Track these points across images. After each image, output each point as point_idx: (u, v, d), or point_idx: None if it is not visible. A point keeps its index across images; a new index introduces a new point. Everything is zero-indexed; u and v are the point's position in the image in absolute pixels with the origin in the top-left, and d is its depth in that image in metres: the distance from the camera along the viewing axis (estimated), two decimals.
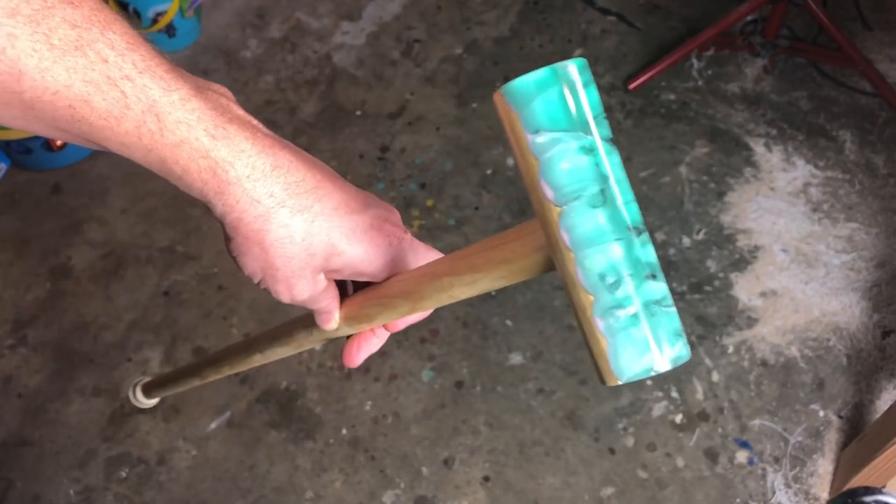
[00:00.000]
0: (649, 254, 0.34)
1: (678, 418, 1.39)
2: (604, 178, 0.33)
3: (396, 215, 0.47)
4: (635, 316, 0.33)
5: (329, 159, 1.79)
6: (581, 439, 1.38)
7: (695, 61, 1.85)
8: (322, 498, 1.35)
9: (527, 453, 1.37)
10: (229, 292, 1.60)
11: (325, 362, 1.49)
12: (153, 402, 0.79)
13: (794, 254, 1.57)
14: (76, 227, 1.73)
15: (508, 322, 1.51)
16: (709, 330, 1.48)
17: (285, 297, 0.44)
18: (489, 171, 1.74)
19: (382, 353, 1.49)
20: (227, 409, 1.45)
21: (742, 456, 1.35)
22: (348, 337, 0.53)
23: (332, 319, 0.49)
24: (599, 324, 0.33)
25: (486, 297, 1.54)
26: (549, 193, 0.33)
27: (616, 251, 0.33)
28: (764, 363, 1.44)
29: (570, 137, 0.32)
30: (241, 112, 0.40)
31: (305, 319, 0.53)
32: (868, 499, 0.52)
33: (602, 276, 0.33)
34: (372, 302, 0.48)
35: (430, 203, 1.69)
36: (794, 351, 1.45)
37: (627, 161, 1.72)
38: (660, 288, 0.34)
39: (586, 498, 1.32)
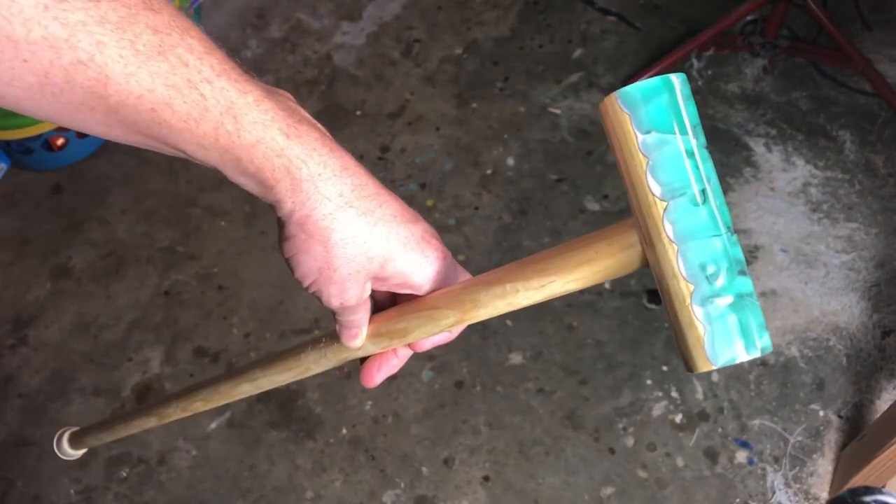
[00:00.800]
0: (739, 252, 0.37)
1: (678, 418, 1.39)
2: (705, 180, 0.36)
3: (437, 235, 0.48)
4: (731, 306, 0.37)
5: None
6: (581, 439, 1.38)
7: (694, 61, 1.85)
8: (322, 498, 1.35)
9: (527, 453, 1.37)
10: (230, 292, 1.60)
11: None
12: (80, 453, 0.77)
13: (794, 254, 1.57)
14: (76, 227, 1.73)
15: (508, 322, 1.51)
16: None
17: (335, 301, 0.45)
18: (489, 171, 1.74)
19: None
20: (228, 409, 1.45)
21: (742, 456, 1.35)
22: (363, 360, 0.52)
23: (359, 336, 0.49)
24: (698, 312, 0.37)
25: None
26: (657, 189, 0.36)
27: (716, 245, 0.36)
28: (764, 363, 1.44)
29: (677, 140, 0.36)
30: (307, 115, 0.42)
31: (317, 342, 0.53)
32: (868, 498, 0.52)
33: (703, 267, 0.37)
34: (410, 315, 0.48)
35: (430, 203, 1.69)
36: (793, 351, 1.45)
37: None
38: (748, 283, 0.37)
39: (586, 497, 1.32)
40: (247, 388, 0.57)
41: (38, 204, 1.78)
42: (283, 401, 1.45)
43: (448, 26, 2.02)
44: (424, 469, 1.37)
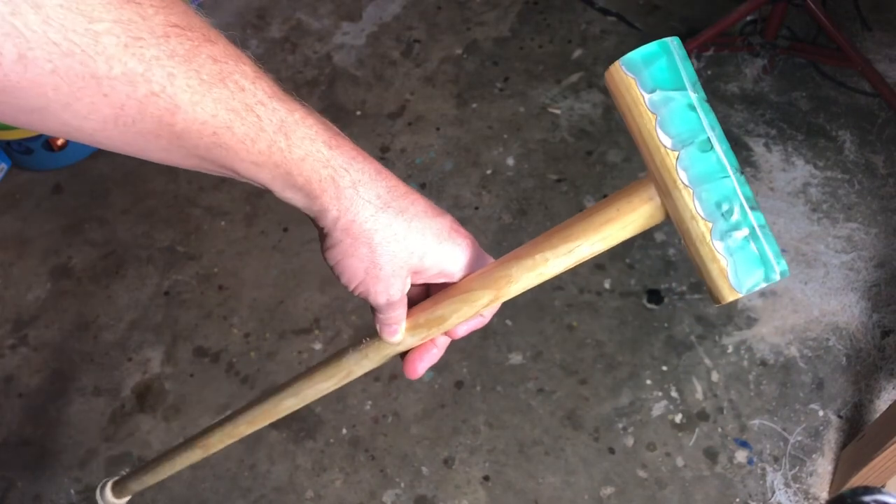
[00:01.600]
0: (749, 190, 0.41)
1: (678, 418, 1.39)
2: (710, 128, 0.40)
3: (461, 226, 0.52)
4: (749, 237, 0.40)
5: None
6: (581, 439, 1.38)
7: (694, 61, 1.85)
8: (322, 497, 1.35)
9: (527, 453, 1.37)
10: (230, 292, 1.60)
11: None
12: (123, 501, 0.78)
13: (794, 254, 1.57)
14: (77, 227, 1.73)
15: (508, 322, 1.52)
16: (708, 330, 1.48)
17: (382, 298, 0.48)
18: (489, 171, 1.74)
19: None
20: (228, 409, 1.45)
21: (741, 455, 1.35)
22: (403, 355, 0.54)
23: (399, 331, 0.52)
24: (719, 246, 0.40)
25: None
26: (668, 141, 0.40)
27: (728, 184, 0.40)
28: (763, 363, 1.44)
29: (680, 95, 0.40)
30: (336, 128, 0.45)
31: (356, 345, 0.55)
32: (867, 498, 0.52)
33: (718, 205, 0.40)
34: (446, 302, 0.50)
35: None
36: (793, 351, 1.45)
37: (627, 161, 1.73)
38: (761, 216, 0.41)
39: (586, 497, 1.32)
40: (292, 403, 0.59)
41: (39, 204, 1.78)
42: None
43: (448, 26, 2.03)
44: (424, 469, 1.37)
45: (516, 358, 1.48)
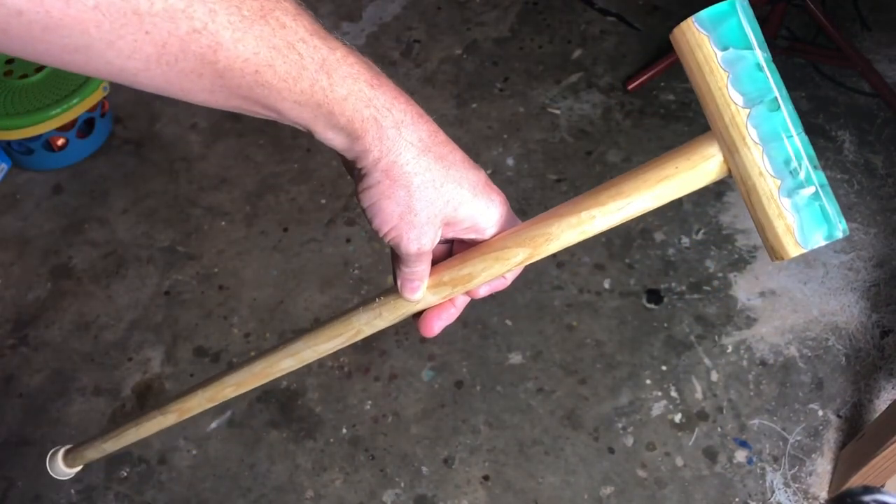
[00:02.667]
0: (812, 150, 0.42)
1: (677, 418, 1.39)
2: (777, 88, 0.41)
3: None
4: (815, 194, 0.42)
5: (330, 160, 1.79)
6: (580, 438, 1.38)
7: None
8: (322, 497, 1.35)
9: (526, 452, 1.38)
10: (230, 292, 1.60)
11: (326, 362, 1.49)
12: (74, 470, 0.75)
13: None
14: (77, 227, 1.73)
15: (508, 322, 1.52)
16: (708, 330, 1.48)
17: (414, 246, 0.47)
18: (489, 171, 1.73)
19: (382, 352, 1.49)
20: (228, 409, 1.45)
21: (741, 455, 1.35)
22: (417, 315, 0.53)
23: (421, 288, 0.51)
24: (786, 203, 0.42)
25: (486, 297, 1.54)
26: (739, 99, 0.41)
27: (796, 142, 0.41)
28: (763, 363, 1.44)
29: (750, 54, 0.40)
30: (377, 68, 0.45)
31: (369, 303, 0.53)
32: (867, 498, 0.52)
33: (787, 163, 0.41)
34: (476, 259, 0.50)
35: None
36: (793, 350, 1.45)
37: (627, 161, 1.73)
38: (822, 176, 0.42)
39: (586, 497, 1.33)
40: (288, 364, 0.57)
41: (39, 204, 1.78)
42: (284, 400, 1.46)
43: (448, 27, 2.03)
44: (424, 468, 1.37)
45: (516, 358, 1.48)
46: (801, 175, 0.41)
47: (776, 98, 0.41)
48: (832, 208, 0.42)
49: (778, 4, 1.73)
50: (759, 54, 0.41)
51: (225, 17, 0.36)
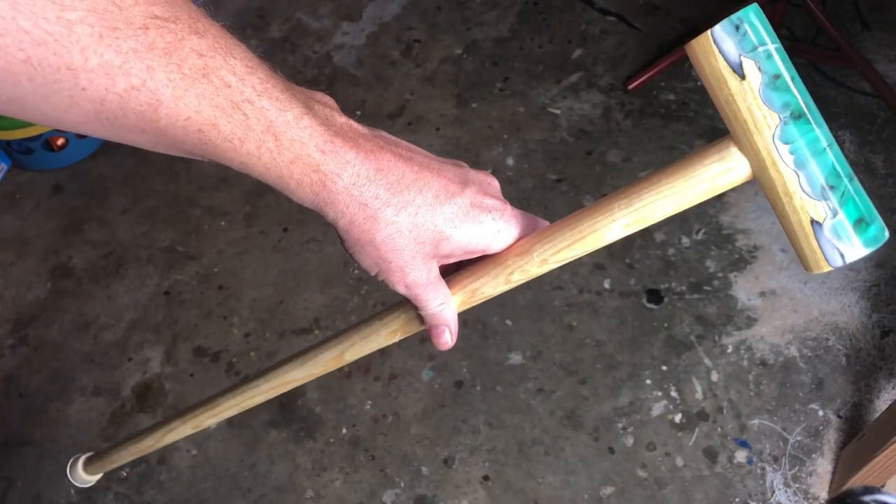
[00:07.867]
0: (846, 161, 0.42)
1: (677, 418, 1.39)
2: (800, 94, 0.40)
3: (495, 184, 0.51)
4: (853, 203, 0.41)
5: None
6: (580, 439, 1.38)
7: None
8: (322, 497, 1.35)
9: (526, 452, 1.37)
10: (230, 292, 1.60)
11: None
12: (94, 478, 0.75)
13: (794, 254, 1.57)
14: (77, 227, 1.73)
15: (508, 322, 1.52)
16: (708, 330, 1.48)
17: (401, 287, 0.47)
18: (489, 171, 1.74)
19: (382, 352, 1.49)
20: None
21: (741, 455, 1.35)
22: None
23: (449, 338, 0.51)
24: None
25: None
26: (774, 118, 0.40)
27: (829, 157, 0.40)
28: (763, 363, 1.44)
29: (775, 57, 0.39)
30: (343, 120, 0.44)
31: (382, 317, 0.53)
32: (867, 498, 0.52)
33: (827, 177, 0.40)
34: (486, 277, 0.50)
35: None
36: (793, 350, 1.45)
37: (627, 161, 1.73)
38: (859, 184, 0.42)
39: (586, 497, 1.32)
40: (299, 375, 0.59)
41: (39, 204, 1.78)
42: (284, 400, 1.45)
43: (448, 26, 2.03)
44: (424, 469, 1.37)
45: (516, 358, 1.48)
46: (838, 190, 0.41)
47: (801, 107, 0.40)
48: (864, 208, 0.42)
49: (778, 4, 1.73)
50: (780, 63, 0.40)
51: (164, 74, 0.35)
